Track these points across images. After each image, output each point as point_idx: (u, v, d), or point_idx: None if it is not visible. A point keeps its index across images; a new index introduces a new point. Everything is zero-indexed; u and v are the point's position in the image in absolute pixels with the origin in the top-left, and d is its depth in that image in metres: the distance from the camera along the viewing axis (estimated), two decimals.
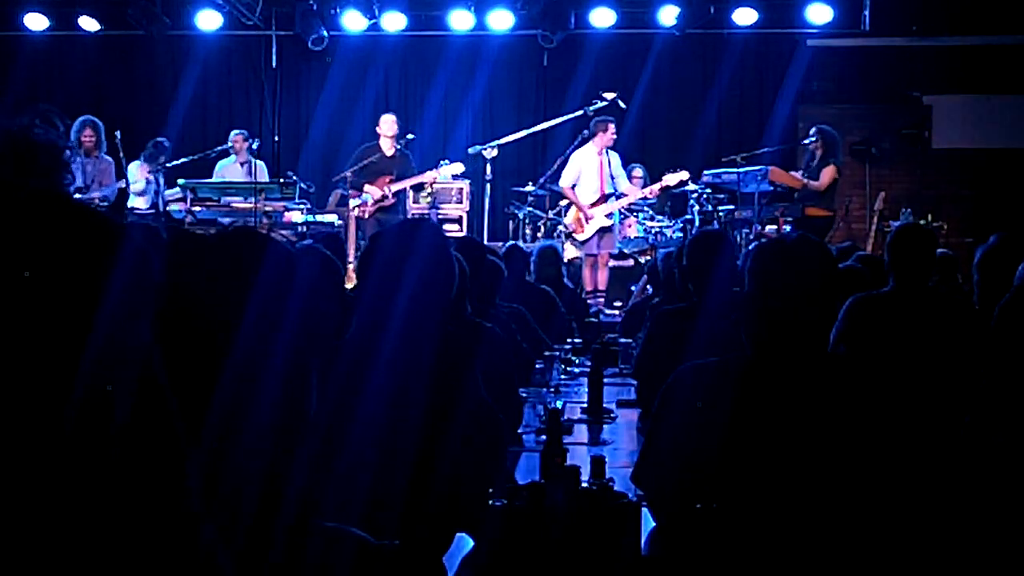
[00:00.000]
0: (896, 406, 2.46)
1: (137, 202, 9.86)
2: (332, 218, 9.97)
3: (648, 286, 8.13)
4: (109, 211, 8.78)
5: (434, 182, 10.26)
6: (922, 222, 9.13)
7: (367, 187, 10.00)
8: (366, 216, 9.94)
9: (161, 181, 9.77)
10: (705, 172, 10.05)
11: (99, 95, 11.66)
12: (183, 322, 1.22)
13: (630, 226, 10.19)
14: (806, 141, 9.82)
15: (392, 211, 9.96)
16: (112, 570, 0.88)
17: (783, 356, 2.47)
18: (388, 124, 10.21)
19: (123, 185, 9.59)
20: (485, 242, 8.59)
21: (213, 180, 10.23)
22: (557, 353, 5.12)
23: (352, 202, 10.17)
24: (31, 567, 0.85)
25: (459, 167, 10.22)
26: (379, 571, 1.23)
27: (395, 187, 10.01)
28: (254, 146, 10.44)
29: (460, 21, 11.66)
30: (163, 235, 3.72)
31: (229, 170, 10.47)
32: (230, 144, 10.51)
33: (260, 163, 10.47)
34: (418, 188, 10.19)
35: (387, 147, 10.18)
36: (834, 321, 2.52)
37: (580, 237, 9.83)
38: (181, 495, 0.94)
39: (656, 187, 10.09)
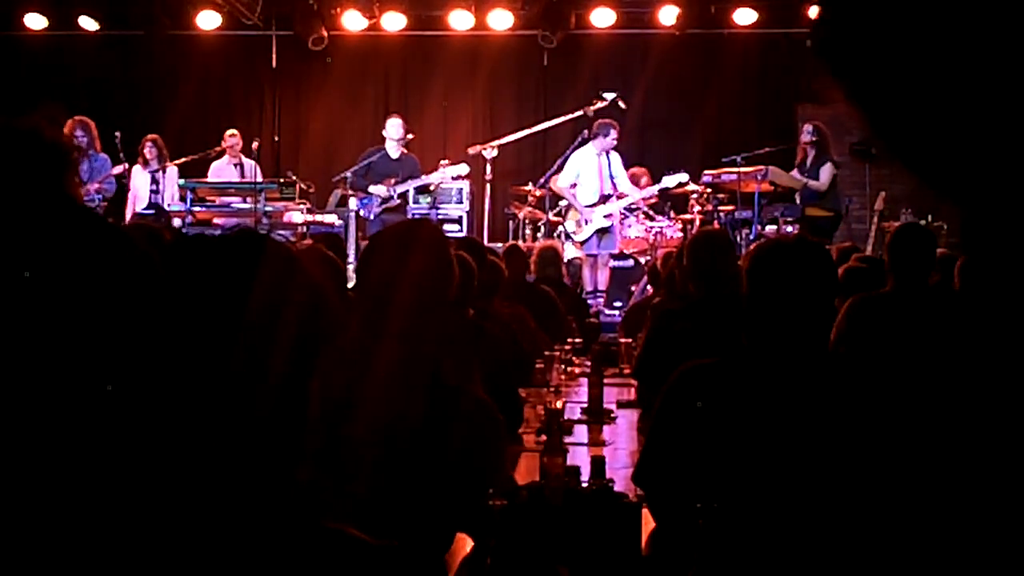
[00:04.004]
0: (896, 406, 2.46)
1: (143, 204, 9.81)
2: (332, 218, 9.97)
3: (648, 286, 8.13)
4: (108, 208, 8.74)
5: (439, 185, 10.26)
6: (922, 222, 9.12)
7: (372, 187, 10.02)
8: (371, 217, 9.95)
9: (160, 180, 9.75)
10: (705, 172, 10.05)
11: (99, 95, 11.64)
12: (185, 322, 1.22)
13: (630, 226, 10.19)
14: (804, 137, 9.81)
15: (397, 212, 9.96)
16: None
17: (783, 356, 2.47)
18: (394, 127, 10.23)
19: (119, 171, 9.57)
20: (485, 242, 8.59)
21: (209, 180, 10.23)
22: (557, 353, 5.12)
23: (351, 202, 10.18)
24: None
25: (464, 168, 10.20)
26: (379, 571, 1.23)
27: (400, 188, 10.02)
28: (254, 146, 10.43)
29: (460, 21, 11.66)
30: (165, 237, 3.73)
31: (221, 170, 10.46)
32: (224, 144, 10.51)
33: (252, 163, 10.46)
34: (421, 189, 10.19)
35: (392, 149, 10.20)
36: (834, 321, 2.52)
37: (579, 237, 9.82)
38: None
39: (655, 189, 10.09)
